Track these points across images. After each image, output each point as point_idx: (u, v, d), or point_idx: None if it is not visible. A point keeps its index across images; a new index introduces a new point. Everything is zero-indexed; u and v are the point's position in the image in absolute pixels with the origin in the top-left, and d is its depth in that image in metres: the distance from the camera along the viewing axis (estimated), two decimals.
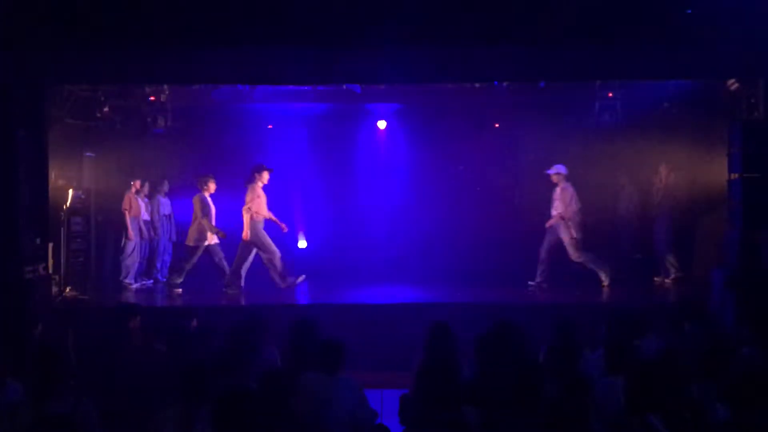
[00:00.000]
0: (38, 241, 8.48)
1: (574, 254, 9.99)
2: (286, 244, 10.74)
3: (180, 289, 9.81)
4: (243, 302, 9.48)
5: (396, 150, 11.87)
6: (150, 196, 11.03)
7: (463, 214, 11.52)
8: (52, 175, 9.09)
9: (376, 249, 11.41)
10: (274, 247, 9.83)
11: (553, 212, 10.13)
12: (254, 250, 9.86)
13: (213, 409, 3.85)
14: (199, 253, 9.90)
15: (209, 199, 9.98)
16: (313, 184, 11.83)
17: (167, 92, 10.65)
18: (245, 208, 9.74)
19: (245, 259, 9.91)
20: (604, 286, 9.92)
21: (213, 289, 10.07)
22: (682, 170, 10.40)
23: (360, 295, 9.87)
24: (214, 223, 9.92)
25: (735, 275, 8.21)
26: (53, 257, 9.06)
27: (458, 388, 4.48)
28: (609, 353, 5.05)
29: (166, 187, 11.26)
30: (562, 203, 10.03)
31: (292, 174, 11.76)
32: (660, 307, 7.16)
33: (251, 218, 9.72)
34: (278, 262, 9.83)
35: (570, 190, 10.06)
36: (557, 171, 10.15)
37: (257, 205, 9.76)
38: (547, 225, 10.19)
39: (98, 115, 10.38)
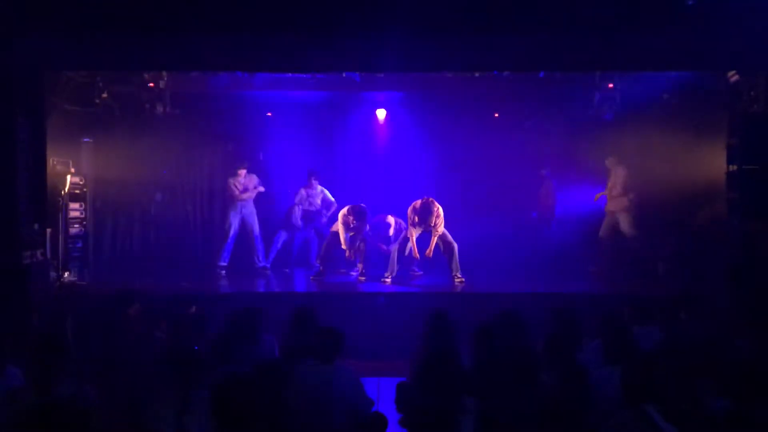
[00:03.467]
0: (36, 226, 8.48)
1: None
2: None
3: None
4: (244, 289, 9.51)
5: (394, 139, 11.84)
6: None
7: (460, 205, 11.52)
8: (51, 161, 9.08)
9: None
10: None
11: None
12: None
13: (211, 396, 3.87)
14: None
15: None
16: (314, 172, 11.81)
17: (166, 79, 10.63)
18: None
19: None
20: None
21: (212, 276, 10.15)
22: (681, 161, 10.40)
23: (360, 284, 9.91)
24: None
25: (733, 267, 8.23)
26: (51, 243, 9.06)
27: (457, 376, 4.50)
28: (606, 343, 5.07)
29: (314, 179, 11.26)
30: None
31: (291, 161, 11.77)
32: (658, 298, 7.16)
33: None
34: None
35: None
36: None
37: None
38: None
39: (97, 101, 10.35)
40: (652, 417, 3.90)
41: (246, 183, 10.89)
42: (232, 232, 10.78)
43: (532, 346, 5.25)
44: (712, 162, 9.44)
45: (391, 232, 10.50)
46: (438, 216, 9.69)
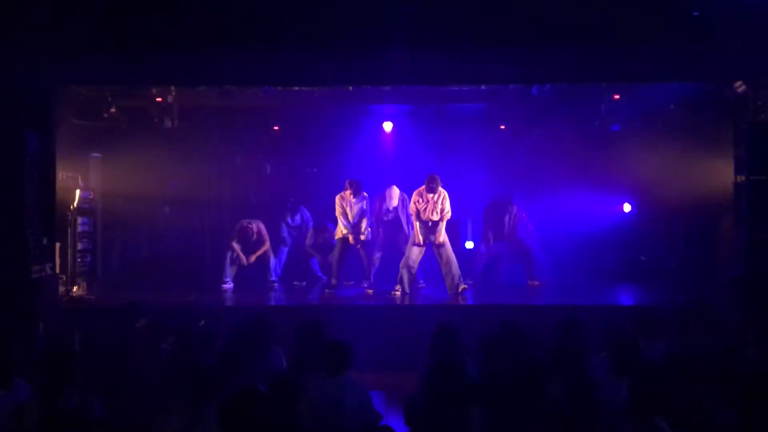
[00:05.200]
0: (45, 240, 8.51)
1: None
2: None
3: None
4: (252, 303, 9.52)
5: (400, 151, 11.85)
6: None
7: (466, 215, 11.54)
8: (60, 175, 9.12)
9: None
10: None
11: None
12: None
13: (220, 410, 3.87)
14: None
15: None
16: (318, 184, 11.85)
17: (174, 93, 10.68)
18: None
19: None
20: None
21: (220, 290, 10.18)
22: (688, 172, 10.38)
23: (368, 297, 9.90)
24: None
25: (742, 277, 8.19)
26: (60, 257, 9.09)
27: (464, 388, 4.49)
28: (614, 354, 5.05)
29: None
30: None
31: (297, 174, 11.83)
32: (665, 310, 7.14)
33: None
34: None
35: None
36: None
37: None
38: None
39: (105, 115, 10.40)
40: (660, 429, 3.89)
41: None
42: None
43: (537, 358, 5.25)
44: (719, 172, 9.42)
45: (395, 203, 10.29)
46: (445, 198, 9.71)
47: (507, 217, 10.62)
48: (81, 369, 5.24)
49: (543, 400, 4.31)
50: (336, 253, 10.27)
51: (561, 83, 9.98)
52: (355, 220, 10.15)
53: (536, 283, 10.38)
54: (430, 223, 9.70)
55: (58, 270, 8.96)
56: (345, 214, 10.15)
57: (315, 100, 10.86)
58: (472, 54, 8.18)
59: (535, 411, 4.17)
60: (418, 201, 9.72)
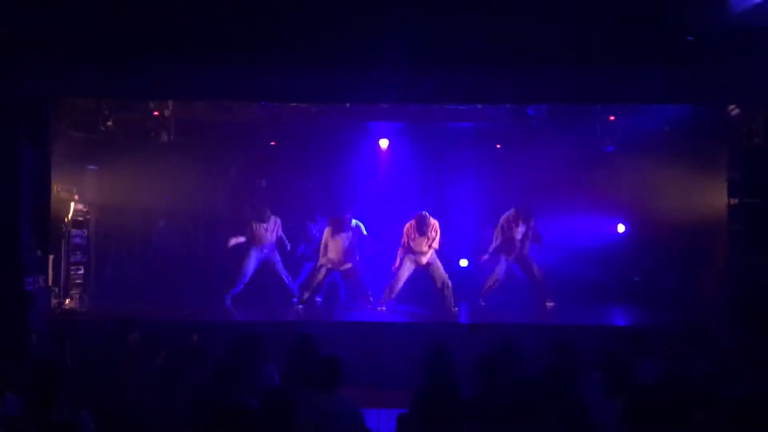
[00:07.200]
0: (39, 253, 8.50)
1: None
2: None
3: None
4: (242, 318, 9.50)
5: (396, 169, 11.87)
6: None
7: (460, 234, 11.55)
8: (55, 187, 9.11)
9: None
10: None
11: None
12: None
13: (213, 426, 3.85)
14: None
15: None
16: (315, 200, 11.86)
17: (170, 107, 10.70)
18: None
19: None
20: None
21: (214, 304, 10.14)
22: (682, 194, 10.42)
23: (360, 313, 9.90)
24: None
25: (736, 300, 8.21)
26: (53, 269, 9.07)
27: (457, 407, 4.48)
28: (607, 375, 5.05)
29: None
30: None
31: (293, 189, 11.84)
32: (660, 331, 7.15)
33: None
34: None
35: None
36: None
37: None
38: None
39: (102, 128, 10.40)
40: None
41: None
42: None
43: (531, 377, 5.24)
44: (713, 195, 9.46)
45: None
46: (435, 230, 9.85)
47: (521, 233, 10.48)
48: (72, 382, 5.21)
49: (536, 420, 4.30)
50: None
51: (556, 104, 10.05)
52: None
53: (552, 303, 10.33)
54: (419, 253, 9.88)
55: (51, 282, 8.94)
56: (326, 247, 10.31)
57: (312, 116, 10.90)
58: (466, 73, 8.22)
59: (528, 430, 4.16)
60: (413, 234, 9.83)
